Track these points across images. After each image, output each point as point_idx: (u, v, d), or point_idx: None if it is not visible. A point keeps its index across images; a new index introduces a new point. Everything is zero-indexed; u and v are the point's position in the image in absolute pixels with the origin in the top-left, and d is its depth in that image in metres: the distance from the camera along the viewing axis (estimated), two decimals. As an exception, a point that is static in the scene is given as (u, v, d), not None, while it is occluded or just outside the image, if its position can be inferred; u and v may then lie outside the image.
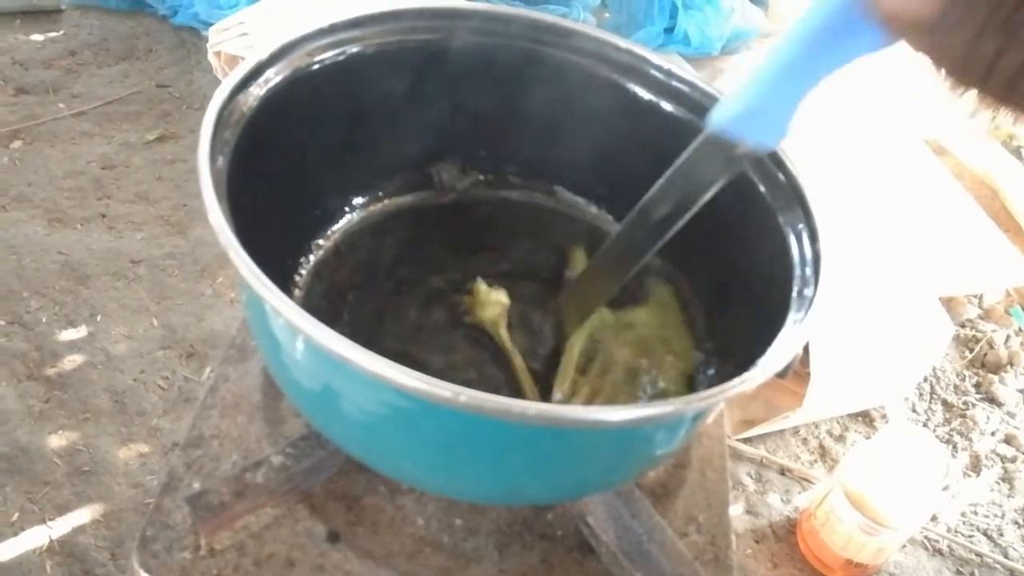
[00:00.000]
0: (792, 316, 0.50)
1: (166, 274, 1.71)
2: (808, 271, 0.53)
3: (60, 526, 1.27)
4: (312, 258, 0.67)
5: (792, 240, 0.55)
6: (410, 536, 0.57)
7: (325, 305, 0.64)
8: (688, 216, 0.54)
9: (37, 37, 2.39)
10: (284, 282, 0.63)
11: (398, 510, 0.59)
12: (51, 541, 1.25)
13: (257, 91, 0.54)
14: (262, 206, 0.53)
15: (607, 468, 0.49)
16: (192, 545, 0.54)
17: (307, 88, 0.58)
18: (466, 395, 0.38)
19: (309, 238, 0.67)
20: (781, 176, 0.58)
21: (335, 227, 0.69)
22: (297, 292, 0.64)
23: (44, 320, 1.57)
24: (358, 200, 0.71)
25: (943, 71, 0.30)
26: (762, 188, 0.59)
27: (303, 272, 0.65)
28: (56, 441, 1.38)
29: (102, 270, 1.69)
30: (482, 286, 0.66)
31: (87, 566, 1.23)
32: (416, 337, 0.64)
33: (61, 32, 2.43)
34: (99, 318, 1.59)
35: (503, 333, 0.65)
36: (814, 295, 0.51)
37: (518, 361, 0.63)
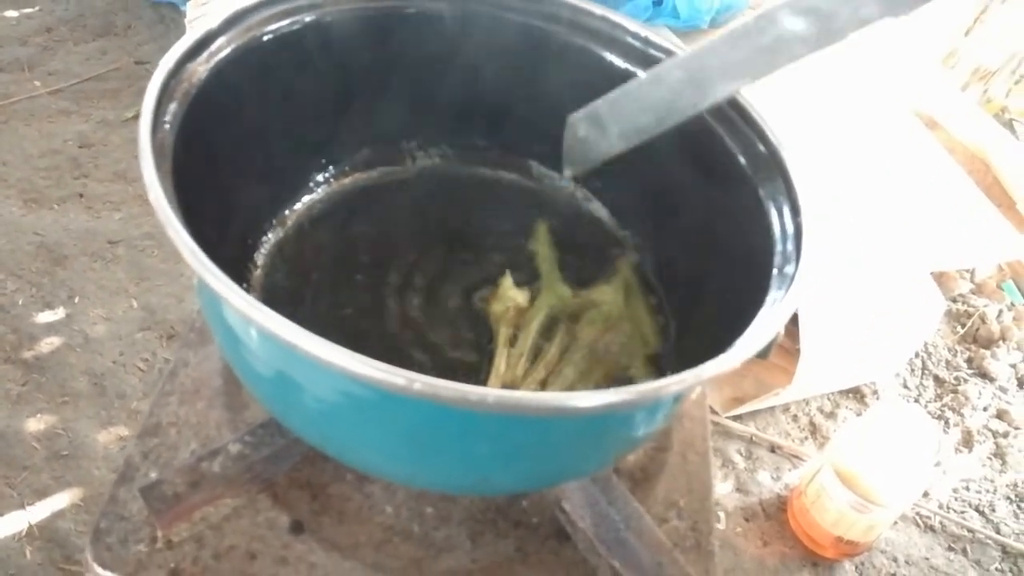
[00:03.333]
0: (772, 295, 0.47)
1: (145, 255, 1.67)
2: (790, 247, 0.50)
3: (39, 511, 1.24)
4: (273, 236, 0.64)
5: (773, 214, 0.53)
6: (378, 525, 0.55)
7: (287, 285, 0.61)
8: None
9: (11, 13, 2.33)
10: (243, 261, 0.60)
11: (366, 498, 0.56)
12: (30, 526, 1.22)
13: (207, 61, 0.51)
14: (215, 183, 0.51)
15: (579, 456, 0.47)
16: (148, 537, 0.52)
17: (261, 58, 0.55)
18: (421, 382, 0.36)
19: (270, 215, 0.64)
20: (761, 146, 0.55)
21: (298, 204, 0.66)
22: (257, 272, 0.61)
23: (20, 302, 1.54)
24: (322, 175, 0.68)
25: None
26: (741, 159, 0.56)
27: (263, 251, 0.62)
28: (34, 425, 1.35)
29: (79, 251, 1.66)
30: (507, 280, 0.64)
31: (67, 551, 1.21)
32: (381, 320, 0.61)
33: (36, 8, 2.37)
34: (77, 300, 1.56)
35: (503, 331, 0.61)
36: (795, 272, 0.48)
37: (500, 364, 0.60)
